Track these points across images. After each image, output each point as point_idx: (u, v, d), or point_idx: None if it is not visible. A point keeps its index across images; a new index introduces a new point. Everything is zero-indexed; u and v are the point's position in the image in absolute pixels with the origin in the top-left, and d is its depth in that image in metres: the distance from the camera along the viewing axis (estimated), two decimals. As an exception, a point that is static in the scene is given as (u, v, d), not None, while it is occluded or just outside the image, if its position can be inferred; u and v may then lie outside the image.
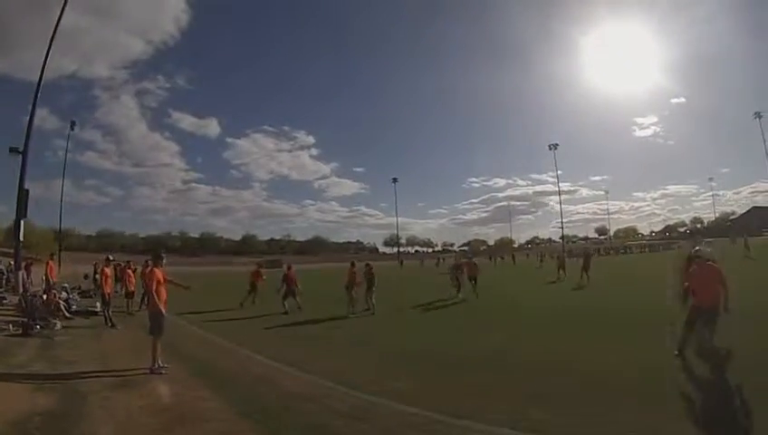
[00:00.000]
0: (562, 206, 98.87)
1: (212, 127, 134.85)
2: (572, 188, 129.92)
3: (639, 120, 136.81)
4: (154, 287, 7.87)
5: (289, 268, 17.10)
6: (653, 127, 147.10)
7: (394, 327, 12.31)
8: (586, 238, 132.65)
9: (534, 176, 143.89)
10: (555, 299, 17.29)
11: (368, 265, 16.14)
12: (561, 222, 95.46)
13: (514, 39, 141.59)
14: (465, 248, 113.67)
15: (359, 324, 13.19)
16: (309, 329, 12.74)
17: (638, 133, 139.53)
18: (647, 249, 74.35)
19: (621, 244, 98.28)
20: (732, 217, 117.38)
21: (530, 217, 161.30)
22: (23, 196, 20.49)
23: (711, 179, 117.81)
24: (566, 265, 26.36)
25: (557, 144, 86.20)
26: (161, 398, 6.31)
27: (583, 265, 22.35)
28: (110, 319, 12.96)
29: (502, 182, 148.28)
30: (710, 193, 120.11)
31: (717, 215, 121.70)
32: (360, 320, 13.90)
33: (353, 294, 15.37)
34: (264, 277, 18.53)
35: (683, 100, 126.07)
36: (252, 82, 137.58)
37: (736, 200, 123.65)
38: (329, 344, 10.46)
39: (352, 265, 16.54)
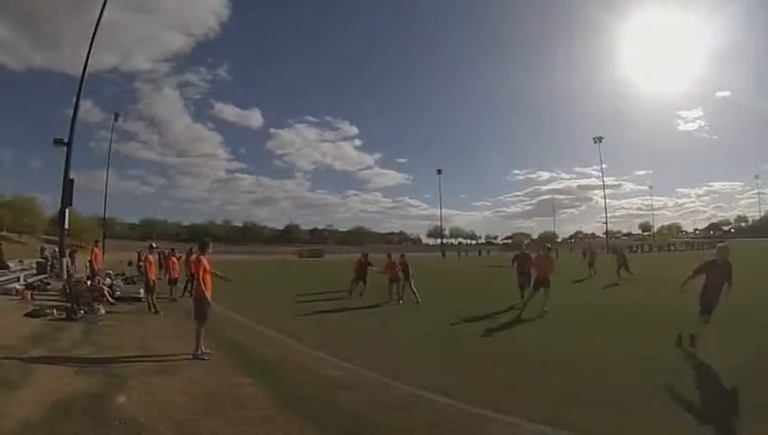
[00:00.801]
0: (606, 200, 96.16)
1: (255, 117, 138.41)
2: (617, 183, 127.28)
3: (684, 113, 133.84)
4: (201, 275, 7.80)
5: (365, 256, 17.12)
6: (698, 121, 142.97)
7: (434, 319, 11.92)
8: (629, 234, 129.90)
9: (578, 169, 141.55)
10: (596, 297, 16.54)
11: (402, 256, 15.96)
12: (606, 217, 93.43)
13: (558, 31, 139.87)
14: (507, 240, 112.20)
15: (396, 314, 13.02)
16: (348, 318, 12.62)
17: (683, 127, 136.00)
18: (693, 246, 71.63)
19: (665, 241, 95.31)
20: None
21: (574, 211, 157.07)
22: (68, 185, 21.11)
23: (757, 177, 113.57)
24: (596, 263, 24.47)
25: (602, 137, 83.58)
26: (202, 383, 6.19)
27: (618, 262, 21.58)
28: (154, 305, 13.11)
29: (546, 175, 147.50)
30: (755, 191, 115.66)
31: (762, 214, 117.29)
32: (398, 309, 13.77)
33: (395, 284, 15.24)
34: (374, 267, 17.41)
35: (728, 93, 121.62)
36: (294, 72, 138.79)
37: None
38: (371, 334, 10.31)
39: (389, 256, 16.38)
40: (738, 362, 6.74)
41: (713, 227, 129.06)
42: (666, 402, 5.38)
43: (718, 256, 7.87)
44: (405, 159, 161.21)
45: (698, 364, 7.06)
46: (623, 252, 23.33)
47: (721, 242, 9.32)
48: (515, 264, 13.77)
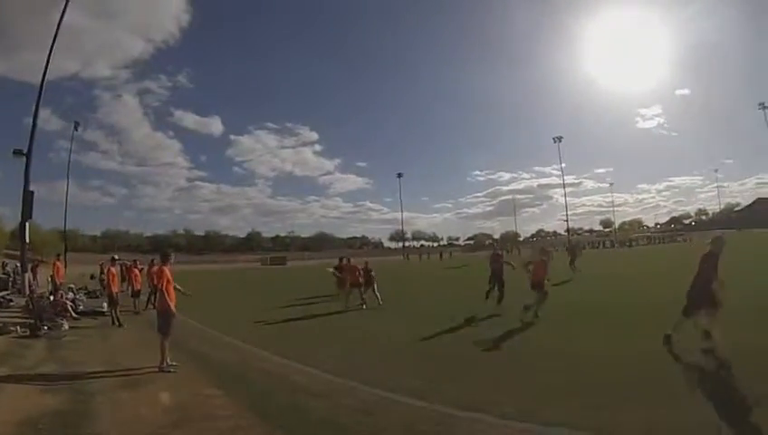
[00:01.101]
0: (567, 198, 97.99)
1: (215, 125, 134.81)
2: (577, 181, 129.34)
3: (643, 111, 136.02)
4: (164, 286, 7.82)
5: (348, 261, 16.92)
6: (657, 118, 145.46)
7: (401, 322, 12.13)
8: (591, 231, 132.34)
9: (539, 169, 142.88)
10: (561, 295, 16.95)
11: (366, 262, 16.15)
12: (567, 215, 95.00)
13: (516, 32, 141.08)
14: (469, 241, 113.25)
15: (362, 318, 13.22)
16: (314, 324, 12.74)
17: (642, 125, 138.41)
18: (654, 241, 73.59)
19: (626, 236, 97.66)
20: (737, 209, 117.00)
21: (535, 210, 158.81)
22: (27, 197, 20.54)
23: (716, 171, 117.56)
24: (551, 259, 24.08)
25: (561, 137, 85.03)
26: (170, 396, 6.25)
27: (570, 258, 21.87)
28: (118, 319, 12.97)
29: (506, 176, 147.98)
30: (715, 185, 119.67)
31: (722, 206, 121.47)
32: (362, 314, 13.96)
33: (355, 289, 15.34)
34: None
35: (687, 91, 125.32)
36: (254, 79, 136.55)
37: (741, 192, 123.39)
38: (337, 339, 10.40)
39: (348, 261, 16.62)
40: (722, 356, 6.77)
41: (674, 220, 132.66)
42: (644, 396, 5.40)
43: (714, 247, 7.48)
44: (365, 164, 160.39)
45: (671, 359, 7.16)
46: (574, 248, 23.70)
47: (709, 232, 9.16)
48: (490, 264, 13.75)
